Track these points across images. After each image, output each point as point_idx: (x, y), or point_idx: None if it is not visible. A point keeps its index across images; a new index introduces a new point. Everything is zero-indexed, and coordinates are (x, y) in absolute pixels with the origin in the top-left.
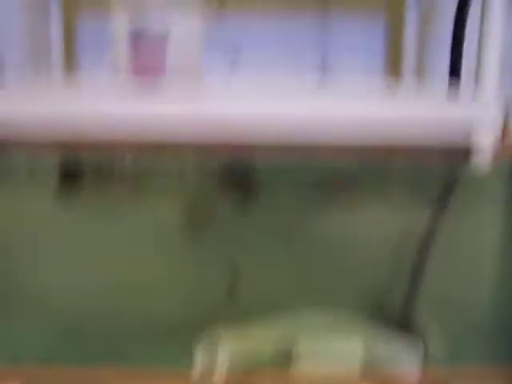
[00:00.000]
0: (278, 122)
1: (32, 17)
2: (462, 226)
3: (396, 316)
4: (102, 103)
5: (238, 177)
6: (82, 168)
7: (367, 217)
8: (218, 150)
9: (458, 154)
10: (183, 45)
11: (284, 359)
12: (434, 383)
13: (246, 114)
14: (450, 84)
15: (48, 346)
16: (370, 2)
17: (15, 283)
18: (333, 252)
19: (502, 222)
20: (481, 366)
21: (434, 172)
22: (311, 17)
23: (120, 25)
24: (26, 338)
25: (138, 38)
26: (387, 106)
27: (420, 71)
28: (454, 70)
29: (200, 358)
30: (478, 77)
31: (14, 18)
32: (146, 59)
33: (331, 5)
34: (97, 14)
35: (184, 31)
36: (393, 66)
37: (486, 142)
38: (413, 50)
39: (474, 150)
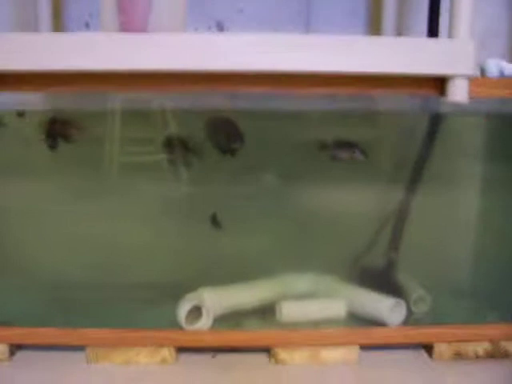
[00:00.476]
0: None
1: None
2: (440, 178)
3: (378, 278)
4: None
5: (224, 132)
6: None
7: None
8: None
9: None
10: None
11: (267, 320)
12: (417, 341)
13: (230, 65)
14: None
15: (36, 312)
16: None
17: (4, 252)
18: (316, 217)
19: (479, 169)
20: (462, 326)
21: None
22: None
23: None
24: (14, 303)
25: None
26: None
27: (400, 32)
28: (432, 29)
29: (182, 317)
30: (451, 23)
31: None
32: (130, 16)
33: None
34: None
35: None
36: (374, 28)
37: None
38: (393, 12)
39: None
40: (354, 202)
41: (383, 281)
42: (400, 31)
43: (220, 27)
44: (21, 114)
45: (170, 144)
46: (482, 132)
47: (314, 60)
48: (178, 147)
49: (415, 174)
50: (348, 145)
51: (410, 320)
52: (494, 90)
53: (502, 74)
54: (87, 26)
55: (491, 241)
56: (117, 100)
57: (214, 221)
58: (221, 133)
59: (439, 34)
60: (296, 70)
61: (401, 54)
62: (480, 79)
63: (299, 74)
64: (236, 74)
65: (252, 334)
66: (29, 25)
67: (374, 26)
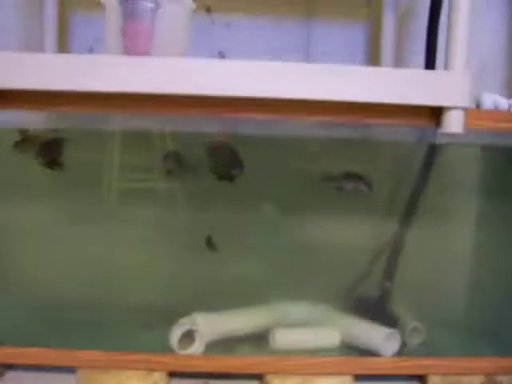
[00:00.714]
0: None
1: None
2: (435, 210)
3: (373, 308)
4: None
5: (225, 157)
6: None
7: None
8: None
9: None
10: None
11: (260, 346)
12: (411, 372)
13: (232, 90)
14: None
15: (28, 332)
16: (352, 9)
17: None
18: (311, 246)
19: (474, 201)
20: (456, 358)
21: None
22: (295, 22)
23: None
24: (6, 322)
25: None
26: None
27: (398, 64)
28: (429, 62)
29: (175, 341)
30: (448, 56)
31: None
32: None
33: (315, 11)
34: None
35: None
36: (373, 59)
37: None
38: (391, 44)
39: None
40: (349, 233)
41: (378, 311)
42: (398, 63)
43: (222, 57)
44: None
45: (166, 159)
46: (477, 164)
47: (312, 88)
48: (173, 162)
49: (411, 205)
50: (354, 176)
51: (404, 351)
52: (489, 123)
53: (496, 108)
54: (91, 50)
55: (486, 274)
56: (115, 122)
57: (209, 243)
58: (221, 159)
59: (436, 67)
60: (295, 97)
61: (398, 84)
62: (475, 111)
63: (298, 101)
64: (235, 99)
65: (245, 359)
66: (35, 50)
67: (373, 58)
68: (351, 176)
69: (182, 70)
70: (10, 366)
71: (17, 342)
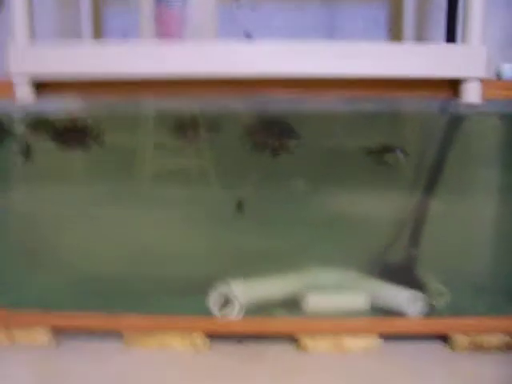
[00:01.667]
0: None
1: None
2: (459, 176)
3: (400, 273)
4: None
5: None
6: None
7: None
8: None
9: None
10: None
11: (293, 310)
12: (435, 332)
13: (258, 71)
14: None
15: (76, 300)
16: None
17: (47, 242)
18: (343, 215)
19: (497, 167)
20: (479, 318)
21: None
22: (318, 4)
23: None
24: (56, 290)
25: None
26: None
27: (419, 39)
28: (450, 36)
29: (214, 305)
30: (465, 29)
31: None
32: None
33: None
34: None
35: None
36: (395, 35)
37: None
38: (412, 20)
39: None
40: (377, 203)
41: (404, 276)
42: (419, 38)
43: (248, 36)
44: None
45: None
46: (498, 133)
47: (337, 65)
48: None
49: (435, 174)
50: (391, 148)
51: (430, 313)
52: (508, 92)
53: None
54: (125, 36)
55: (508, 239)
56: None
57: (240, 207)
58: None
59: (456, 41)
60: (321, 74)
61: (418, 59)
62: (493, 82)
63: (324, 79)
64: (263, 79)
65: (279, 321)
66: (72, 37)
67: (395, 34)
68: (390, 148)
69: (213, 52)
70: (62, 332)
71: (68, 310)
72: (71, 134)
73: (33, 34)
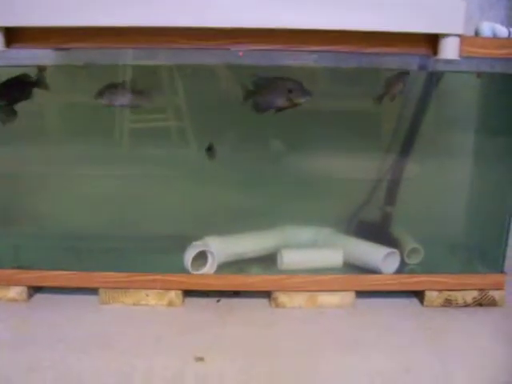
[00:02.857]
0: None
1: None
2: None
3: (375, 231)
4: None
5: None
6: None
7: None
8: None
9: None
10: None
11: (268, 267)
12: (409, 288)
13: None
14: None
15: (53, 259)
16: None
17: (23, 203)
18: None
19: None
20: (451, 275)
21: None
22: None
23: None
24: (34, 250)
25: None
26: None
27: None
28: None
29: (189, 261)
30: None
31: None
32: None
33: None
34: None
35: None
36: None
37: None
38: None
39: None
40: (353, 161)
41: (379, 234)
42: None
43: None
44: (42, 69)
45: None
46: (475, 90)
47: (313, 18)
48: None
49: (412, 131)
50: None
51: (403, 271)
52: (485, 50)
53: (495, 36)
54: None
55: (481, 198)
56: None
57: (210, 150)
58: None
59: None
60: (299, 27)
61: (396, 13)
62: (472, 38)
63: (300, 32)
64: (237, 30)
65: (254, 278)
66: None
67: None
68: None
69: (189, 3)
70: (38, 289)
71: (43, 267)
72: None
73: None
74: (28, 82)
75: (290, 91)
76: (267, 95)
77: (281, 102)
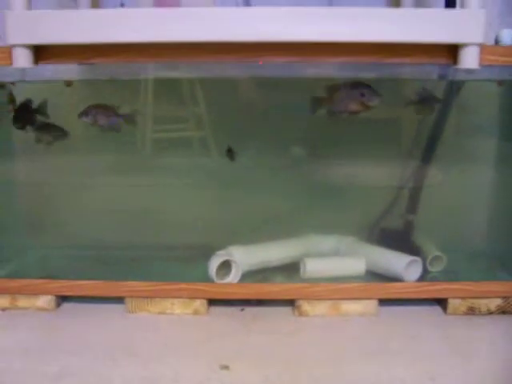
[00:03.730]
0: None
1: None
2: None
3: (397, 239)
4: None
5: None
6: None
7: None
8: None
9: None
10: None
11: (292, 275)
12: (431, 296)
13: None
14: None
15: (80, 267)
16: None
17: (51, 214)
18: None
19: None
20: (475, 282)
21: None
22: None
23: None
24: (61, 259)
25: None
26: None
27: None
28: (449, 1)
29: (213, 270)
30: None
31: None
32: None
33: None
34: None
35: None
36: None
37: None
38: None
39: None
40: (376, 170)
41: (402, 242)
42: (418, 3)
43: (247, 2)
44: (69, 84)
45: None
46: (496, 98)
47: (336, 30)
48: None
49: (434, 138)
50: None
51: (426, 278)
52: (506, 58)
53: None
54: (122, 5)
55: (504, 205)
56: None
57: (229, 153)
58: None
59: (455, 6)
60: (319, 39)
61: (416, 24)
62: (492, 47)
63: (322, 44)
64: (262, 44)
65: (277, 286)
66: (67, 4)
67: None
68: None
69: (210, 19)
70: (65, 298)
71: (70, 276)
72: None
73: (30, 3)
74: (29, 109)
75: (362, 95)
76: (341, 100)
77: (354, 106)
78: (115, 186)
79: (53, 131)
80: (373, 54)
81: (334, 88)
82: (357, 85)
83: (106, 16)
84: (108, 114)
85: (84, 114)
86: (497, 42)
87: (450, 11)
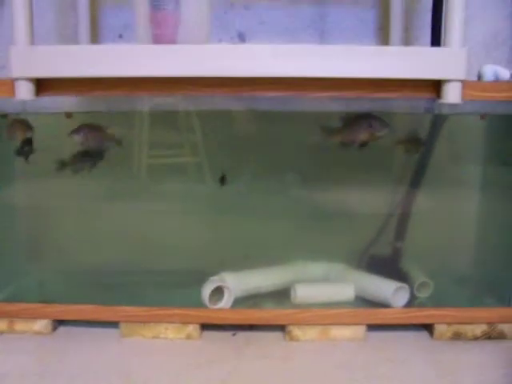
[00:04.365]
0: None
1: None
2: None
3: (385, 266)
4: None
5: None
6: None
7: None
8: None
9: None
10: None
11: (282, 301)
12: (419, 322)
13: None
14: None
15: (76, 292)
16: None
17: (48, 239)
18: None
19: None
20: (461, 308)
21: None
22: (309, 3)
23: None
24: (56, 284)
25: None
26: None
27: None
28: (435, 39)
29: (206, 296)
30: (446, 33)
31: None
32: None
33: None
34: None
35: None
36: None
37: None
38: (399, 23)
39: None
40: (363, 198)
41: (390, 269)
42: (407, 38)
43: (242, 38)
44: (69, 116)
45: None
46: (480, 131)
47: (324, 66)
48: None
49: (420, 168)
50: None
51: (413, 304)
52: (487, 94)
53: (497, 79)
54: (121, 37)
55: (489, 233)
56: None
57: (222, 180)
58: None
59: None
60: (310, 75)
61: (402, 61)
62: (473, 83)
63: (312, 79)
64: (254, 78)
65: (269, 312)
66: (68, 35)
67: (383, 34)
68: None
69: (205, 55)
70: (61, 322)
71: (66, 300)
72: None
73: (32, 38)
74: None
75: (370, 126)
76: (352, 131)
77: (364, 136)
78: (111, 211)
79: (91, 156)
80: (361, 89)
81: (345, 119)
82: (365, 116)
83: (104, 51)
84: (99, 134)
85: (75, 131)
86: (479, 77)
87: (434, 49)
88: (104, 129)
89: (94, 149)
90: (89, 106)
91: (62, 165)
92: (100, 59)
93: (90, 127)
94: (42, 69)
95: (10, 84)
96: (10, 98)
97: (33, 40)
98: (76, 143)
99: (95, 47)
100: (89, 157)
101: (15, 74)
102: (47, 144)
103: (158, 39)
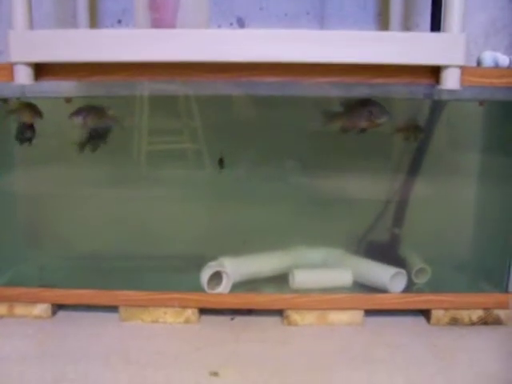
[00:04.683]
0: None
1: None
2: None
3: (383, 252)
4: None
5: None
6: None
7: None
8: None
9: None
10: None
11: (281, 286)
12: (416, 307)
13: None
14: None
15: (76, 277)
16: None
17: (47, 224)
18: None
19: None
20: (457, 294)
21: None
22: None
23: None
24: (57, 269)
25: None
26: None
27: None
28: (435, 24)
29: (205, 281)
30: (445, 18)
31: None
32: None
33: None
34: None
35: None
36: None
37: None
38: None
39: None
40: (363, 184)
41: (388, 254)
42: (407, 23)
43: (241, 24)
44: (68, 100)
45: None
46: (479, 117)
47: (324, 52)
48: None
49: (419, 154)
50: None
51: (411, 290)
52: (486, 79)
53: (496, 65)
54: (120, 22)
55: (487, 219)
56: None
57: (221, 163)
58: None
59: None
60: (309, 60)
61: (400, 46)
62: (472, 69)
63: (311, 65)
64: (254, 64)
65: (267, 297)
66: (67, 20)
67: (383, 18)
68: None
69: (205, 40)
70: (61, 306)
71: (66, 285)
72: None
73: (31, 23)
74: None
75: (370, 112)
76: (352, 117)
77: (364, 123)
78: (110, 197)
79: (100, 133)
80: (360, 75)
81: (345, 105)
82: (366, 102)
83: (103, 36)
84: (99, 116)
85: (75, 113)
86: (479, 64)
87: (433, 35)
88: (106, 109)
89: (98, 129)
90: (88, 90)
91: (82, 146)
92: (99, 44)
93: (90, 109)
94: (40, 53)
95: (9, 68)
96: (9, 82)
97: (31, 25)
98: (76, 125)
99: (94, 32)
100: (99, 134)
101: (14, 58)
102: (47, 129)
103: (156, 24)
